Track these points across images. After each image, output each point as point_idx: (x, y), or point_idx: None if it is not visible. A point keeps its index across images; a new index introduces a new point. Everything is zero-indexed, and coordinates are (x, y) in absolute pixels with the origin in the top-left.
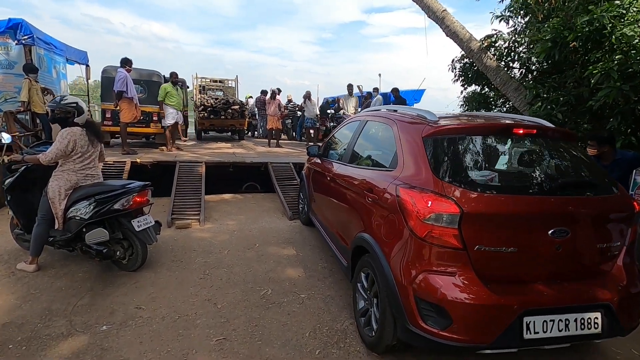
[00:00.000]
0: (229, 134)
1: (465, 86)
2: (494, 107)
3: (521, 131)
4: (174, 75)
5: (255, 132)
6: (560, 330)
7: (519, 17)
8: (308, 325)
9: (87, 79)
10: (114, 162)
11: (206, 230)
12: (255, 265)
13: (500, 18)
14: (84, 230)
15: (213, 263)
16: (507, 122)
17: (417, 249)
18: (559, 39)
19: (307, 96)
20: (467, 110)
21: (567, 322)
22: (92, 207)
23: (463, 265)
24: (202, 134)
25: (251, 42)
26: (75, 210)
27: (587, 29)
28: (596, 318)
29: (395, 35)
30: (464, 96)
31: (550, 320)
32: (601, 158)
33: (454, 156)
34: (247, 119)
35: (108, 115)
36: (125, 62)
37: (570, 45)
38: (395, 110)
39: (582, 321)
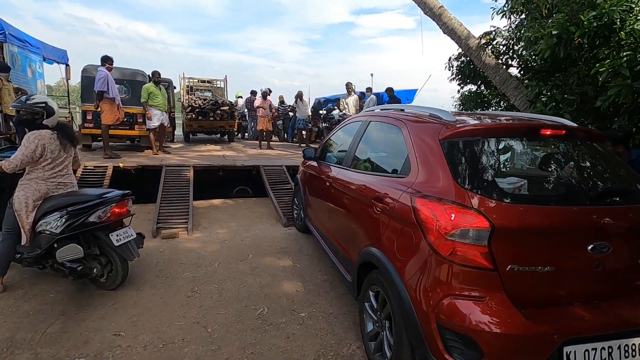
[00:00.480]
0: (218, 135)
1: (462, 85)
2: (489, 106)
3: (549, 132)
4: (156, 74)
5: (246, 134)
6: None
7: (522, 13)
8: (311, 351)
9: (67, 79)
10: (94, 167)
11: (194, 240)
12: (249, 280)
13: (502, 14)
14: (55, 246)
15: (202, 278)
16: (534, 122)
17: (440, 270)
18: (564, 35)
19: (299, 96)
20: (462, 110)
21: (610, 350)
22: (64, 220)
23: (494, 288)
24: (190, 136)
25: (240, 43)
26: (45, 224)
27: (595, 24)
28: (637, 345)
29: (383, 36)
30: (461, 95)
31: (592, 349)
32: None
33: (477, 161)
34: (236, 120)
35: (89, 117)
36: (106, 60)
37: (575, 42)
38: (403, 110)
39: (627, 348)
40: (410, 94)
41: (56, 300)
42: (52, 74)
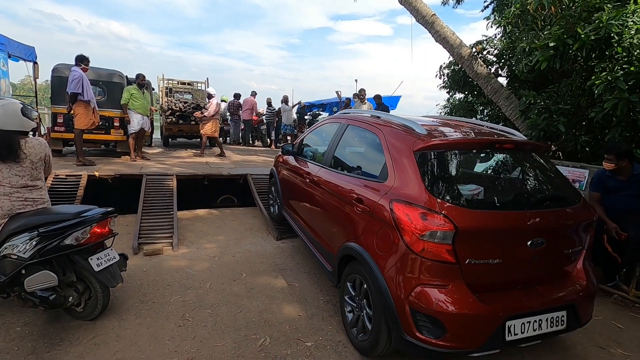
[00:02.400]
0: (199, 140)
1: (451, 93)
2: (476, 114)
3: (502, 146)
4: (140, 77)
5: (227, 138)
6: (534, 330)
7: (517, 25)
8: None
9: (35, 77)
10: (66, 175)
11: (181, 257)
12: (246, 303)
13: (497, 24)
14: (24, 272)
15: (193, 302)
16: (494, 137)
17: (413, 264)
18: (561, 47)
19: (285, 101)
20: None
21: (540, 322)
22: (34, 243)
23: (455, 277)
24: (170, 140)
25: (216, 45)
26: (11, 247)
27: (592, 37)
28: (562, 316)
29: (361, 42)
30: (450, 104)
31: (527, 322)
32: (617, 173)
33: (444, 171)
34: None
35: (60, 120)
36: (81, 60)
37: (570, 54)
38: (379, 117)
39: (552, 320)
40: (394, 100)
41: (23, 335)
42: (16, 71)
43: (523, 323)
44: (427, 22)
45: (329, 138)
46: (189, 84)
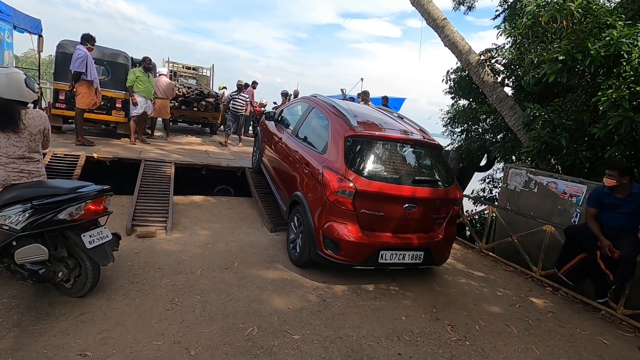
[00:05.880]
0: (200, 126)
1: (456, 99)
2: (478, 121)
3: (409, 142)
4: (147, 60)
5: (223, 127)
6: (399, 259)
7: (527, 36)
8: None
9: (40, 51)
10: (64, 154)
11: (174, 241)
12: (236, 292)
13: (508, 34)
14: (14, 244)
15: (183, 287)
16: (403, 135)
17: (327, 208)
18: (570, 61)
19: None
20: (454, 124)
21: (403, 255)
22: (27, 215)
23: (352, 219)
24: (170, 124)
25: (224, 33)
26: (4, 218)
27: (602, 54)
28: (420, 254)
29: (369, 42)
30: (454, 110)
31: (394, 254)
32: (616, 190)
33: (359, 153)
34: (221, 113)
35: (61, 96)
36: (87, 39)
37: (577, 69)
38: (334, 106)
39: (412, 255)
40: (399, 102)
41: (10, 307)
42: (20, 43)
43: (392, 254)
44: (438, 25)
45: (299, 114)
46: (194, 68)
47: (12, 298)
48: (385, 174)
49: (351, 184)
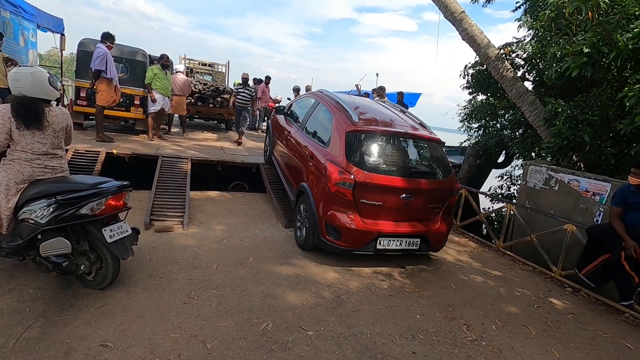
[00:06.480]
0: (215, 122)
1: (474, 94)
2: (497, 117)
3: (409, 137)
4: (165, 57)
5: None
6: (397, 246)
7: (549, 29)
8: None
9: (62, 49)
10: (85, 150)
11: (190, 236)
12: (251, 287)
13: (529, 27)
14: (39, 237)
15: (200, 281)
16: (401, 130)
17: (330, 198)
18: (595, 54)
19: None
20: (471, 119)
21: (400, 242)
22: (51, 210)
23: (352, 208)
24: (187, 120)
25: (239, 29)
26: (30, 212)
27: (630, 46)
28: (417, 241)
29: (384, 36)
30: (472, 105)
31: (392, 240)
32: None
33: (359, 147)
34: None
35: (83, 94)
36: (107, 38)
37: (602, 63)
38: (338, 102)
39: (409, 242)
40: (414, 97)
41: (36, 298)
42: (44, 42)
43: (389, 240)
44: (456, 19)
45: (306, 109)
46: (210, 65)
47: (37, 289)
48: (384, 166)
49: (351, 176)
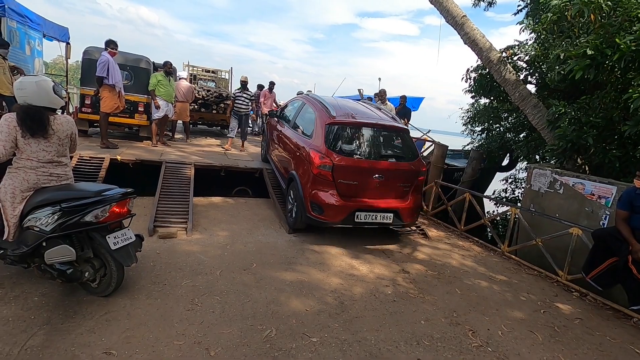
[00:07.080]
0: (219, 128)
1: (476, 98)
2: (500, 120)
3: (378, 127)
4: (168, 64)
5: (248, 129)
6: (372, 220)
7: (552, 32)
8: None
9: (67, 58)
10: (90, 157)
11: (194, 242)
12: (254, 293)
13: (531, 30)
14: (44, 245)
15: (203, 288)
16: (373, 121)
17: (313, 179)
18: (598, 56)
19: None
20: (474, 123)
21: (375, 216)
22: (56, 217)
23: (332, 188)
24: (190, 126)
25: (241, 35)
26: (35, 219)
27: (633, 48)
28: (390, 216)
29: (385, 41)
30: (475, 109)
31: (368, 214)
32: None
33: (336, 136)
34: (227, 115)
35: (87, 101)
36: (109, 44)
37: (607, 65)
38: (321, 102)
39: (383, 217)
40: (417, 101)
41: (40, 305)
42: (50, 50)
43: (365, 214)
44: (457, 23)
45: (295, 110)
46: (213, 72)
47: (42, 296)
48: (358, 151)
49: (330, 160)
